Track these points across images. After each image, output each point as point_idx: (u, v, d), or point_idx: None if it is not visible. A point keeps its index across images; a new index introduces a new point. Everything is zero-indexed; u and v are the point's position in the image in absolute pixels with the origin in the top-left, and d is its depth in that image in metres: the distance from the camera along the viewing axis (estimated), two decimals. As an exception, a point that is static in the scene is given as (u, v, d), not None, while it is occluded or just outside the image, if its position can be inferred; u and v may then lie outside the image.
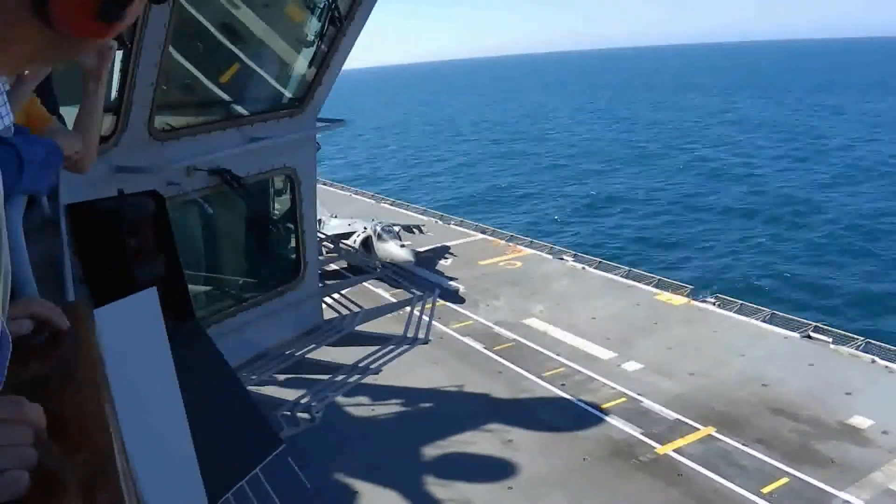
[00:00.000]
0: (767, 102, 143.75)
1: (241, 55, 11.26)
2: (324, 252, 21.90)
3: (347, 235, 31.60)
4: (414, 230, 37.89)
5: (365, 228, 32.78)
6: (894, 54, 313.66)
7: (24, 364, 1.67)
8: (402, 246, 32.18)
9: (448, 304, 27.77)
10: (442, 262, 34.48)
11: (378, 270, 22.40)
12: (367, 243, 31.67)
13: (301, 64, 11.74)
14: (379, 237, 32.02)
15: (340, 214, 36.86)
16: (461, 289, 30.39)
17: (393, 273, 20.74)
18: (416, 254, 32.41)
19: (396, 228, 34.22)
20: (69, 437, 1.35)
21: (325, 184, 48.37)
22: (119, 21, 1.24)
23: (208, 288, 12.32)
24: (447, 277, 31.85)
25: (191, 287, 9.06)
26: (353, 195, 51.59)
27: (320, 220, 28.01)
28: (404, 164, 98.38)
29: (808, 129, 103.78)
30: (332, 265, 24.55)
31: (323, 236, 21.82)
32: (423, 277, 30.68)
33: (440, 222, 42.61)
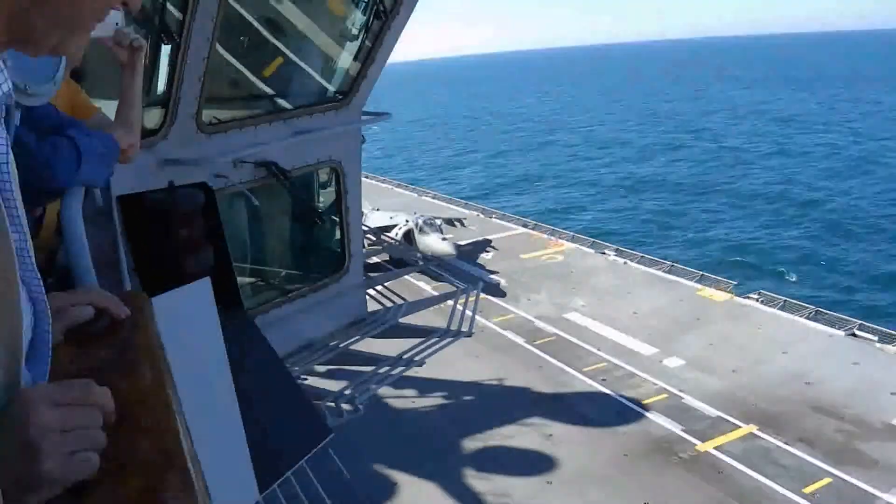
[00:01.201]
0: (798, 93, 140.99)
1: (286, 50, 11.35)
2: (365, 245, 21.98)
3: (389, 228, 31.64)
4: (455, 223, 37.93)
5: (407, 221, 32.83)
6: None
7: (87, 350, 1.73)
8: (444, 239, 32.14)
9: (489, 297, 27.72)
10: (483, 255, 34.46)
11: (420, 263, 22.38)
12: (408, 236, 31.75)
13: (345, 58, 11.80)
14: (421, 230, 32.06)
15: (382, 207, 36.96)
16: (502, 282, 30.35)
17: (435, 266, 20.72)
18: (458, 247, 32.36)
19: (438, 221, 34.24)
20: (136, 419, 1.40)
21: (367, 177, 48.57)
22: None
23: (255, 279, 12.48)
24: (488, 271, 31.81)
25: (238, 278, 9.18)
26: (395, 188, 51.69)
27: (362, 212, 28.24)
28: (439, 154, 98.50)
29: (844, 120, 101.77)
30: (373, 258, 24.63)
31: (365, 229, 21.87)
32: (465, 271, 30.70)
33: (482, 216, 42.52)
